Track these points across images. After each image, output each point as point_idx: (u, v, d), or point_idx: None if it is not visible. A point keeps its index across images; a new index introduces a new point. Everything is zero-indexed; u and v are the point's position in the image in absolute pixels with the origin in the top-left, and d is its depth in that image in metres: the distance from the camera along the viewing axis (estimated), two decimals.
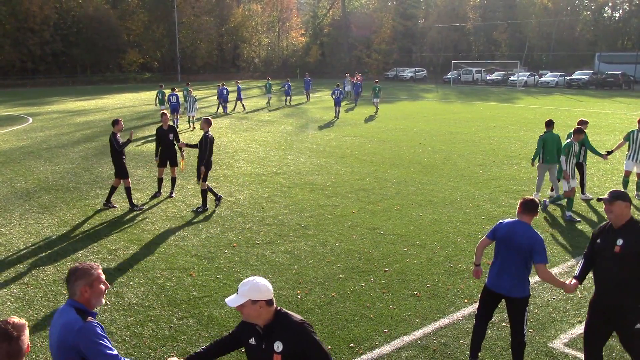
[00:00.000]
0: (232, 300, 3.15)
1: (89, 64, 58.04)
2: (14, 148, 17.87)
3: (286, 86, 33.71)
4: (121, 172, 10.75)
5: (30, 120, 25.60)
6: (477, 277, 5.45)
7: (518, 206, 5.06)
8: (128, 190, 10.77)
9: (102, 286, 3.13)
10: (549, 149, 10.84)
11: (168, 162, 11.60)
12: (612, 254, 4.47)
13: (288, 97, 33.85)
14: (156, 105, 27.56)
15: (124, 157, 10.78)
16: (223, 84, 28.91)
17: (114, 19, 58.09)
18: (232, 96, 30.63)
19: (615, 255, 4.45)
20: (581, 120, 11.51)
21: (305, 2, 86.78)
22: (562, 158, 10.01)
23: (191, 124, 23.21)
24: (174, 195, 11.64)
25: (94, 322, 3.04)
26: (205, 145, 10.42)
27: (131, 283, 7.25)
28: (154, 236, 9.12)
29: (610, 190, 4.55)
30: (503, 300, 5.08)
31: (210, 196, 11.05)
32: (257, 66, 73.98)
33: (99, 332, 3.02)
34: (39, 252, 8.40)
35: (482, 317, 5.25)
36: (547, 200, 10.79)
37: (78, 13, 56.19)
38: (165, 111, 11.95)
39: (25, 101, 36.17)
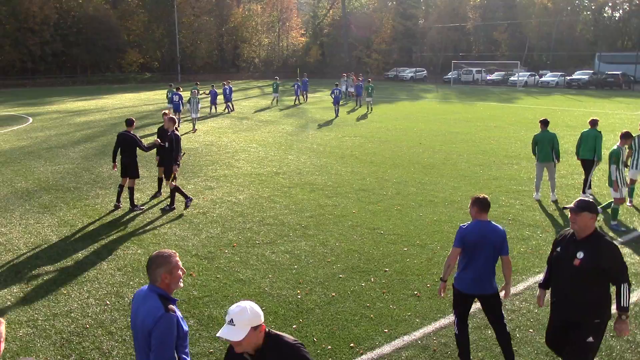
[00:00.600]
0: (233, 334, 2.79)
1: (89, 64, 58.02)
2: (14, 148, 17.87)
3: (295, 86, 34.56)
4: (134, 172, 10.66)
5: (30, 120, 25.60)
6: (442, 293, 5.21)
7: (474, 205, 5.08)
8: (132, 191, 10.74)
9: (180, 272, 3.32)
10: (544, 148, 10.99)
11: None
12: (570, 266, 4.26)
13: (297, 97, 34.62)
14: (169, 104, 27.71)
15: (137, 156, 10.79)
16: (226, 83, 29.30)
17: (114, 19, 58.07)
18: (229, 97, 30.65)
19: (574, 268, 4.24)
20: (593, 120, 11.37)
21: (305, 2, 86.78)
22: (612, 167, 9.32)
23: (193, 126, 22.48)
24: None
25: (173, 315, 3.21)
26: (173, 144, 10.39)
27: (131, 283, 7.25)
28: (154, 236, 9.12)
29: (577, 199, 4.36)
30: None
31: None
32: (257, 66, 73.97)
33: (173, 329, 3.18)
34: (39, 252, 8.40)
35: (464, 323, 5.25)
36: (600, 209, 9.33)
37: (78, 13, 56.17)
38: (166, 111, 11.86)
39: (25, 101, 36.17)
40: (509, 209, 10.66)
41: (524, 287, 7.08)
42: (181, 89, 25.61)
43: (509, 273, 5.07)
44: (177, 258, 3.33)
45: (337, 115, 26.81)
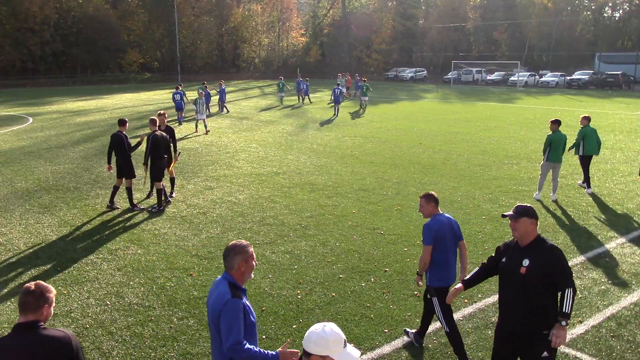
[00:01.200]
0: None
1: (89, 64, 57.99)
2: (14, 148, 17.87)
3: (305, 85, 34.55)
4: (129, 172, 10.67)
5: (31, 120, 25.60)
6: (420, 282, 5.46)
7: (431, 202, 5.34)
8: (130, 191, 10.75)
9: (254, 263, 3.55)
10: (557, 149, 11.08)
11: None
12: (517, 275, 4.10)
13: (306, 96, 34.75)
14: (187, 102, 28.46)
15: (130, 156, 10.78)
16: (221, 82, 29.29)
17: (114, 19, 58.04)
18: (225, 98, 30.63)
19: (520, 276, 4.07)
20: (588, 117, 11.79)
21: (305, 2, 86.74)
22: None
23: (197, 127, 21.62)
24: (174, 195, 11.62)
25: (240, 301, 3.35)
26: (148, 145, 10.40)
27: (131, 283, 7.25)
28: (154, 236, 9.12)
29: (515, 205, 4.21)
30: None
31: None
32: (257, 66, 73.95)
33: (239, 313, 3.32)
34: (39, 252, 8.40)
35: (452, 318, 5.39)
36: None
37: (78, 13, 56.14)
38: (162, 111, 11.81)
39: (25, 101, 36.17)
40: (509, 209, 10.64)
41: None
42: (181, 87, 25.66)
43: (466, 253, 5.49)
44: (252, 249, 3.56)
45: (336, 115, 26.93)
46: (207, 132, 20.85)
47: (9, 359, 2.94)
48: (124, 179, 10.73)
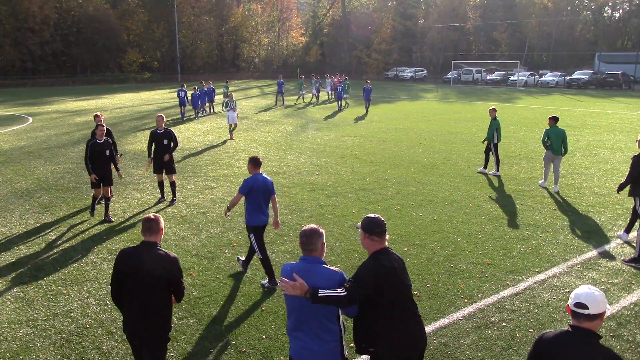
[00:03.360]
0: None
1: (89, 64, 58.01)
2: (14, 148, 17.87)
3: (318, 84, 35.08)
4: (109, 180, 10.01)
5: (30, 120, 25.60)
6: (228, 213, 7.36)
7: (251, 163, 7.05)
8: (108, 201, 10.09)
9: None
10: (555, 142, 11.88)
11: (164, 169, 10.99)
12: None
13: (316, 95, 35.56)
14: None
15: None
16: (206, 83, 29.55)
17: (113, 18, 58.04)
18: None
19: None
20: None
21: (305, 2, 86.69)
22: None
23: (231, 134, 20.10)
24: (176, 200, 11.31)
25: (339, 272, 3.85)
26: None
27: None
28: None
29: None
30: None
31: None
32: (257, 66, 73.95)
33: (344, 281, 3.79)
34: (39, 252, 8.40)
35: (264, 246, 7.35)
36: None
37: (78, 13, 56.16)
38: (161, 113, 11.16)
39: (25, 101, 36.17)
40: (509, 208, 10.66)
41: (523, 287, 7.09)
42: (185, 86, 27.45)
43: (277, 206, 7.33)
44: None
45: (340, 109, 29.52)
46: (231, 138, 19.71)
47: (136, 265, 4.23)
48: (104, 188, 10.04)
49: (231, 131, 20.10)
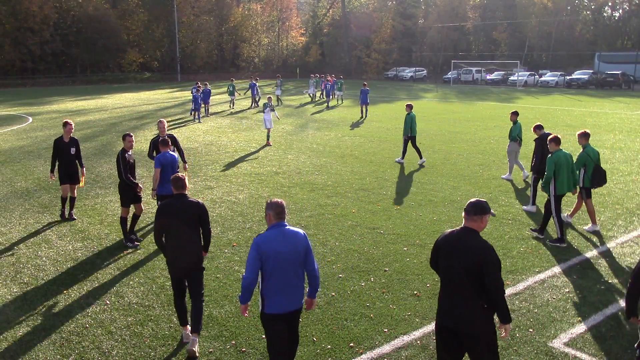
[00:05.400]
0: None
1: (89, 64, 57.99)
2: (14, 147, 17.86)
3: (328, 85, 34.82)
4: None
5: (30, 119, 25.60)
6: (154, 195, 8.79)
7: (162, 145, 8.53)
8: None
9: None
10: (513, 133, 13.30)
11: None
12: None
13: (328, 97, 35.26)
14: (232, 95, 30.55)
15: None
16: (235, 81, 29.36)
17: (113, 18, 58.02)
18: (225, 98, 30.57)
19: None
20: (409, 104, 14.86)
21: (305, 2, 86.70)
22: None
23: (269, 138, 18.75)
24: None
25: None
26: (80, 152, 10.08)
27: (131, 283, 7.25)
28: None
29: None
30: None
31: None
32: (256, 66, 73.90)
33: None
34: (39, 252, 8.40)
35: None
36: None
37: (78, 13, 56.13)
38: (162, 119, 10.11)
39: (25, 101, 36.16)
40: (509, 208, 10.67)
41: (523, 286, 7.09)
42: (199, 83, 27.46)
43: (186, 173, 8.62)
44: None
45: (328, 106, 31.17)
46: (268, 144, 18.39)
47: (175, 210, 5.53)
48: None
49: (268, 136, 18.66)
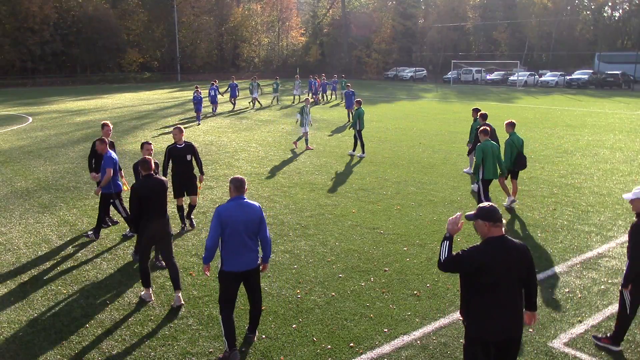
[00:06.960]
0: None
1: (89, 64, 57.97)
2: (14, 147, 17.87)
3: (316, 84, 34.95)
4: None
5: (30, 119, 25.60)
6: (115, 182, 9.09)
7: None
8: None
9: None
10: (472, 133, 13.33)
11: (185, 191, 9.54)
12: None
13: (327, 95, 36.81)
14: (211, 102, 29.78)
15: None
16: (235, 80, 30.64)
17: (113, 18, 57.98)
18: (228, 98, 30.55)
19: None
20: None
21: (305, 2, 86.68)
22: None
23: (303, 141, 17.77)
24: (194, 225, 9.77)
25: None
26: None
27: (131, 283, 7.25)
28: None
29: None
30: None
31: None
32: (257, 66, 73.89)
33: None
34: (39, 252, 8.40)
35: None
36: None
37: (78, 13, 56.10)
38: (180, 126, 9.52)
39: (25, 101, 36.16)
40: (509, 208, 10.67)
41: None
42: (216, 83, 28.24)
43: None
44: None
45: (316, 102, 29.57)
46: (307, 148, 17.34)
47: (151, 186, 6.52)
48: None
49: (306, 140, 17.52)
